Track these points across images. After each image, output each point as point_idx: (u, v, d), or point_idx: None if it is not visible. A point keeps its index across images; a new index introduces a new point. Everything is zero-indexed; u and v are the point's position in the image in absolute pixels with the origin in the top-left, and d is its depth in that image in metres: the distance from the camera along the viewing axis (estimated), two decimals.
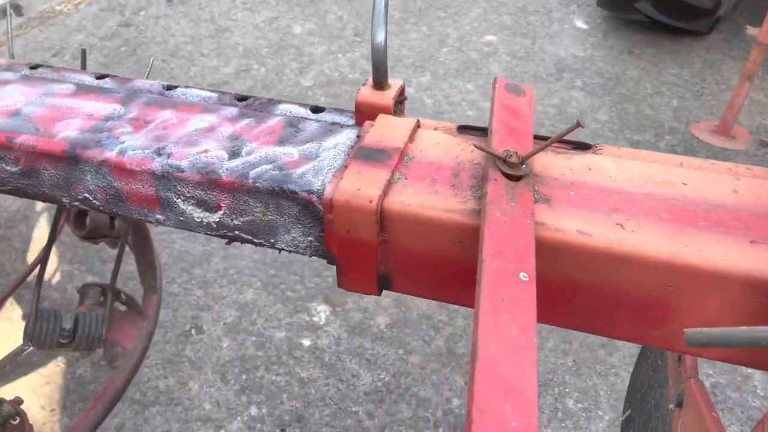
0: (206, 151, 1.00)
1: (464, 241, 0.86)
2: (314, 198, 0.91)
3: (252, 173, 0.95)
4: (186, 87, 1.18)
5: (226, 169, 0.96)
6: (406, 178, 0.92)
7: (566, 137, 1.04)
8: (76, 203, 1.07)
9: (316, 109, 1.12)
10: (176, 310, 2.77)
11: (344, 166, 0.93)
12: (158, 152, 1.00)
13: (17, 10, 4.85)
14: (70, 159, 1.01)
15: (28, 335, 1.74)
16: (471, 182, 0.91)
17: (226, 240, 1.03)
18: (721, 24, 4.76)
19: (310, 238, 0.97)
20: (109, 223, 1.96)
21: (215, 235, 1.01)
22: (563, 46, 4.65)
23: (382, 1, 1.07)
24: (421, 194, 0.89)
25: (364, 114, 1.07)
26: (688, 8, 4.31)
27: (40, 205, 3.16)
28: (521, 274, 0.75)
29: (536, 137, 1.02)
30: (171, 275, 2.91)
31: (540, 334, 2.70)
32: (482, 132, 1.08)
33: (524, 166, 0.89)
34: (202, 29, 4.74)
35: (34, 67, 1.25)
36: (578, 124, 0.84)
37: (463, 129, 1.10)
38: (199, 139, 1.03)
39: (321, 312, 2.79)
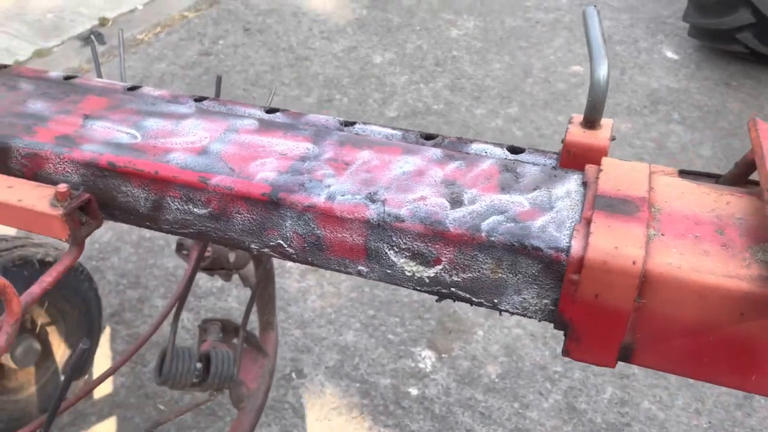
0: (423, 198, 0.89)
1: (746, 313, 0.73)
2: (563, 256, 0.80)
3: (484, 225, 0.84)
4: (364, 123, 1.08)
5: (453, 220, 0.85)
6: (662, 235, 0.79)
7: None
8: (266, 250, 0.96)
9: (514, 150, 1.01)
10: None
11: (586, 219, 0.81)
12: (371, 198, 0.90)
13: (99, 38, 4.90)
14: (270, 203, 0.91)
15: (164, 375, 1.63)
16: (743, 241, 0.78)
17: (438, 297, 0.92)
18: None
19: (545, 301, 0.84)
20: (227, 256, 1.86)
21: (424, 291, 0.90)
22: (655, 77, 4.46)
23: (598, 34, 0.96)
24: (688, 255, 0.76)
25: (573, 156, 0.95)
26: None
27: (133, 236, 3.09)
28: None
29: None
30: None
31: (668, 390, 2.49)
32: (710, 178, 0.95)
33: None
34: (281, 58, 4.70)
35: (198, 100, 1.16)
36: None
37: (686, 174, 0.97)
38: (410, 184, 0.92)
39: (426, 358, 2.62)
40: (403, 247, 0.88)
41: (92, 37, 4.91)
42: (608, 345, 0.81)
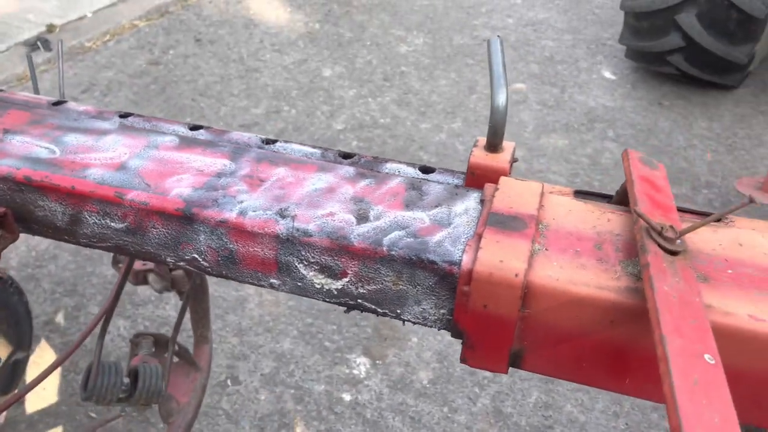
0: (332, 214, 0.94)
1: (616, 321, 0.80)
2: (455, 269, 0.85)
3: (385, 240, 0.89)
4: (285, 141, 1.13)
5: (357, 235, 0.90)
6: (546, 249, 0.86)
7: (686, 206, 0.99)
8: (181, 263, 1.00)
9: (426, 170, 1.07)
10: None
11: (478, 234, 0.87)
12: (281, 214, 0.94)
13: (45, 44, 4.86)
14: (184, 218, 0.95)
15: (89, 390, 1.64)
16: (617, 255, 0.85)
17: (346, 308, 0.96)
18: (748, 79, 4.78)
19: (442, 311, 0.90)
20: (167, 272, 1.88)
21: (334, 302, 0.94)
22: (593, 96, 4.65)
23: (500, 63, 1.02)
24: (567, 268, 0.83)
25: (477, 177, 1.01)
26: (722, 62, 4.32)
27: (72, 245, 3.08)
28: (706, 356, 0.69)
29: (681, 210, 0.96)
30: None
31: (589, 394, 2.60)
32: (603, 198, 1.03)
33: (679, 241, 0.83)
34: (231, 69, 4.74)
35: (124, 116, 1.19)
36: (751, 200, 0.78)
37: (581, 194, 1.05)
38: (321, 200, 0.97)
39: (361, 364, 2.69)
40: (312, 260, 0.91)
41: (39, 44, 4.87)
42: (499, 352, 0.87)
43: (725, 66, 4.39)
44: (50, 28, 5.01)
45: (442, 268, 0.86)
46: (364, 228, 0.91)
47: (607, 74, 4.93)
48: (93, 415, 2.41)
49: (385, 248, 0.88)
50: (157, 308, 2.85)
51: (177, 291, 1.89)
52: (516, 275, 0.80)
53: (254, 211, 0.94)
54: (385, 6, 5.78)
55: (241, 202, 0.95)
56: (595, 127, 4.32)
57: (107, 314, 1.71)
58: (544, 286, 0.81)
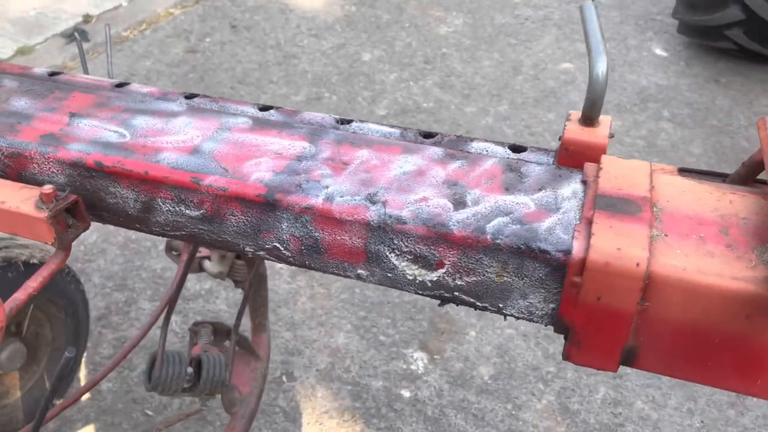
0: (425, 199, 0.86)
1: (752, 316, 0.72)
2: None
3: (489, 227, 0.81)
4: (360, 121, 1.05)
5: (457, 222, 0.82)
6: (666, 235, 0.77)
7: None
8: (261, 253, 0.93)
9: (516, 148, 0.98)
10: None
11: (586, 219, 0.79)
12: (371, 199, 0.86)
13: (83, 35, 4.82)
14: (266, 204, 0.88)
15: (154, 380, 1.59)
16: (748, 241, 0.76)
17: (440, 302, 0.89)
18: None
19: (552, 306, 0.82)
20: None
21: (426, 295, 0.87)
22: (644, 75, 4.46)
23: (596, 29, 0.94)
24: (693, 256, 0.74)
25: (572, 153, 0.93)
26: None
27: (119, 237, 3.04)
28: None
29: None
30: None
31: (661, 390, 2.48)
32: (716, 177, 0.93)
33: None
34: (269, 56, 4.65)
35: (189, 97, 1.12)
36: None
37: (685, 172, 0.94)
38: (412, 184, 0.89)
39: (418, 359, 2.60)
40: (405, 250, 0.85)
41: (76, 34, 4.85)
42: (610, 349, 0.80)
43: None
44: (86, 18, 4.97)
45: (555, 258, 0.78)
46: (463, 214, 0.84)
47: (659, 51, 4.72)
48: (149, 413, 2.37)
49: (489, 236, 0.80)
50: (207, 302, 2.79)
51: (233, 279, 1.83)
52: (637, 264, 0.72)
53: (342, 197, 0.87)
54: None
55: (327, 186, 0.89)
56: (648, 107, 4.14)
57: (170, 305, 1.66)
58: (669, 276, 0.73)
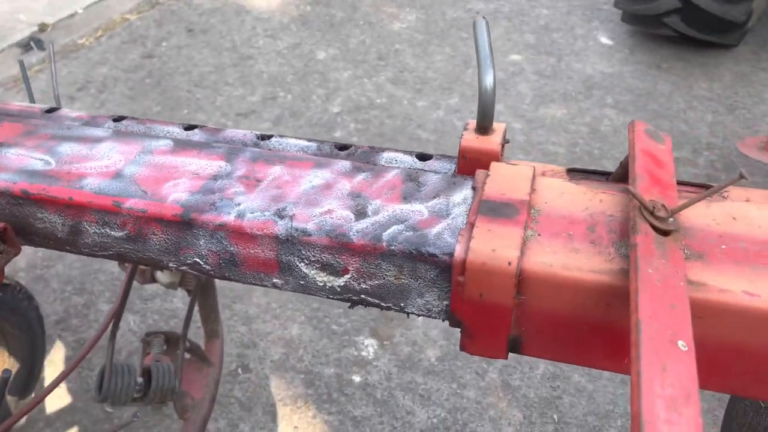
0: (330, 211, 0.94)
1: (612, 304, 0.80)
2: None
3: (385, 235, 0.89)
4: (280, 136, 1.13)
5: (357, 231, 0.90)
6: (539, 235, 0.86)
7: (681, 179, 0.98)
8: (183, 267, 1.01)
9: (423, 157, 1.07)
10: None
11: (470, 223, 0.87)
12: (279, 214, 0.94)
13: (38, 44, 4.85)
14: (183, 223, 0.95)
15: (104, 392, 1.67)
16: (610, 237, 0.85)
17: (350, 304, 0.97)
18: (747, 36, 4.71)
19: (446, 302, 0.90)
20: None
21: (337, 299, 0.95)
22: (590, 63, 4.61)
23: (486, 44, 1.00)
24: (560, 253, 0.83)
25: (469, 161, 1.01)
26: (720, 22, 4.26)
27: None
28: (680, 343, 0.69)
29: (682, 183, 0.95)
30: None
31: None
32: (599, 175, 1.03)
33: (671, 219, 0.82)
34: (225, 58, 4.72)
35: (117, 119, 1.19)
36: (741, 176, 0.78)
37: (573, 172, 1.04)
38: (318, 198, 0.97)
39: (369, 346, 2.72)
40: (313, 259, 0.91)
41: (32, 44, 4.87)
42: (497, 339, 0.87)
43: (723, 25, 4.33)
44: (42, 27, 5.00)
45: (442, 260, 0.86)
46: (363, 224, 0.91)
47: (604, 40, 4.88)
48: (109, 410, 2.46)
49: (384, 243, 0.88)
50: (164, 302, 2.88)
51: (185, 288, 1.91)
52: (509, 263, 0.80)
53: (252, 213, 0.94)
54: None
55: (239, 204, 0.95)
56: (593, 95, 4.29)
57: (116, 316, 1.73)
58: (538, 272, 0.81)
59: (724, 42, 4.55)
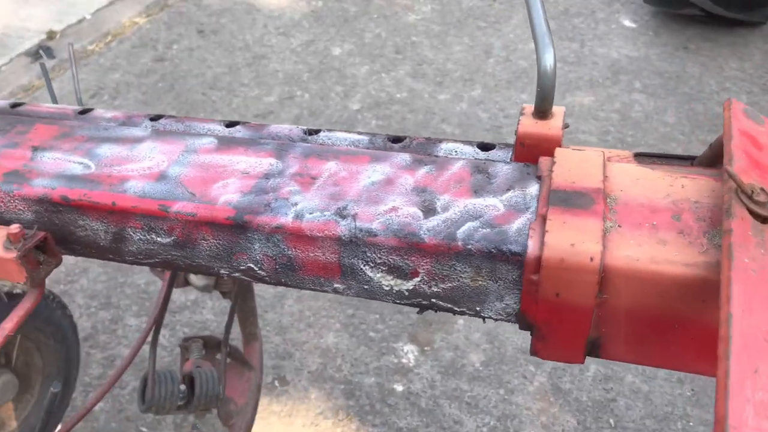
0: (395, 209, 0.86)
1: (707, 300, 0.72)
2: None
3: (459, 233, 0.81)
4: (329, 131, 1.04)
5: (427, 230, 0.82)
6: (619, 226, 0.77)
7: None
8: (236, 274, 0.92)
9: (484, 146, 0.98)
10: None
11: (541, 216, 0.79)
12: (341, 214, 0.86)
13: (48, 52, 4.76)
14: (236, 227, 0.87)
15: (148, 401, 1.59)
16: (700, 226, 0.76)
17: (419, 309, 0.88)
18: None
19: None
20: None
21: (405, 304, 0.86)
22: (614, 47, 4.47)
23: (542, 20, 0.92)
24: (646, 245, 0.74)
25: (528, 147, 0.92)
26: None
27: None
28: None
29: None
30: None
31: None
32: (684, 161, 0.92)
33: None
34: (238, 58, 4.61)
35: (154, 118, 1.10)
36: None
37: (641, 156, 0.94)
38: (381, 194, 0.89)
39: (409, 352, 2.61)
40: (379, 261, 0.84)
41: (41, 52, 4.78)
42: (574, 342, 0.80)
43: (751, 2, 4.17)
44: (50, 34, 4.90)
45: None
46: (433, 222, 0.83)
47: (627, 23, 4.73)
48: (144, 430, 2.37)
49: (460, 242, 0.80)
50: (194, 314, 2.79)
51: (220, 290, 1.82)
52: (591, 259, 0.73)
53: (311, 213, 0.86)
54: None
55: (296, 204, 0.88)
56: (620, 80, 4.15)
57: (157, 324, 1.66)
58: (623, 268, 0.73)
59: (752, 20, 4.40)
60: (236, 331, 2.03)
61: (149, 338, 1.70)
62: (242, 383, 1.93)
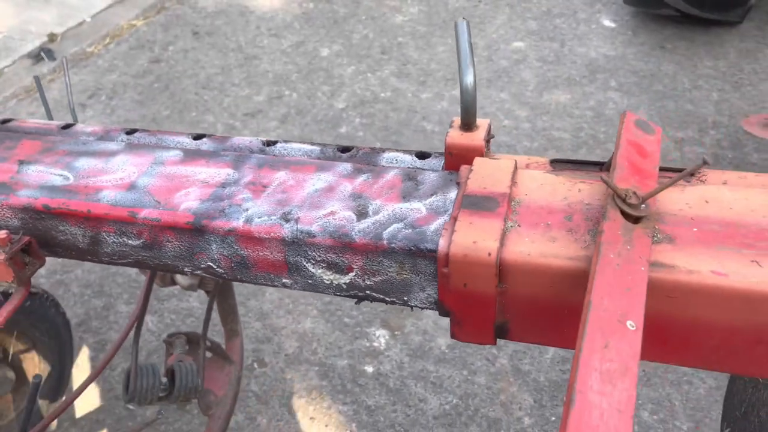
0: (333, 213, 0.99)
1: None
2: None
3: (385, 234, 0.94)
4: (285, 141, 1.18)
5: (358, 231, 0.95)
6: (519, 225, 0.90)
7: (666, 165, 1.02)
8: (198, 272, 1.07)
9: (422, 155, 1.11)
10: None
11: (453, 218, 0.92)
12: (285, 218, 0.99)
13: (49, 54, 4.95)
14: (195, 230, 1.01)
15: (130, 393, 1.75)
16: (587, 225, 0.89)
17: (356, 300, 1.02)
18: (751, 12, 4.67)
19: None
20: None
21: (344, 296, 1.00)
22: (593, 47, 4.60)
23: (466, 43, 1.03)
24: (538, 242, 0.87)
25: (455, 157, 1.06)
26: None
27: None
28: (629, 323, 0.74)
29: (665, 169, 0.99)
30: None
31: None
32: (577, 165, 1.06)
33: (644, 206, 0.86)
34: (230, 59, 4.78)
35: (130, 132, 1.25)
36: (704, 162, 0.81)
37: (557, 162, 1.08)
38: (321, 200, 1.02)
39: (380, 337, 2.78)
40: (319, 259, 0.96)
41: (43, 54, 4.97)
42: (484, 326, 0.92)
43: (726, 2, 4.30)
44: (51, 37, 5.09)
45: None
46: (365, 224, 0.96)
47: (607, 23, 4.87)
48: (131, 407, 2.55)
49: (385, 242, 0.93)
50: (181, 301, 2.96)
51: (204, 289, 1.98)
52: (489, 254, 0.85)
53: (260, 218, 0.99)
54: None
55: (247, 209, 1.01)
56: (597, 79, 4.29)
57: (138, 320, 1.81)
58: (516, 261, 0.86)
59: (727, 19, 4.52)
60: (220, 326, 2.20)
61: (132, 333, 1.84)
62: (222, 376, 2.09)
